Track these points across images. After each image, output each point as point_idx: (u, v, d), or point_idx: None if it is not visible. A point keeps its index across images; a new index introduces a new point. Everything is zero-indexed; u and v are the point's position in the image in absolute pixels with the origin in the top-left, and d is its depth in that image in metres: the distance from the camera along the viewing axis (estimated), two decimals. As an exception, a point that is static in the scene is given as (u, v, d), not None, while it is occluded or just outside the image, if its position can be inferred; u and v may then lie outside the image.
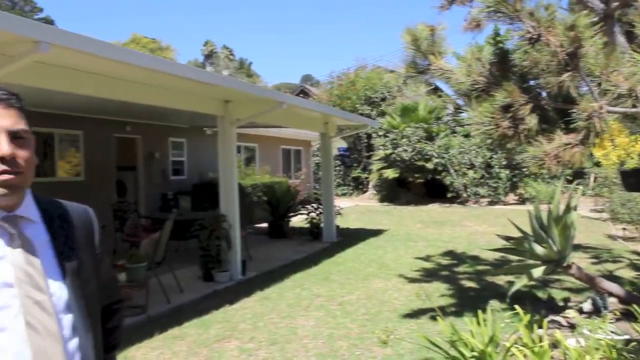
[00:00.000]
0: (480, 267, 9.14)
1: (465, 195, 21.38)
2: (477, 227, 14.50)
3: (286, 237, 12.97)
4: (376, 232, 13.69)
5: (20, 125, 1.37)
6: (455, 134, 22.75)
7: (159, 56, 29.10)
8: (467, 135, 22.21)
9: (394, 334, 5.54)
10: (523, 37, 4.19)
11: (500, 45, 18.53)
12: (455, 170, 21.22)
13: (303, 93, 37.21)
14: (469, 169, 21.37)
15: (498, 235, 6.93)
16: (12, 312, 1.30)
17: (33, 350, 1.30)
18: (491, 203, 21.18)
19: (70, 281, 1.42)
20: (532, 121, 4.34)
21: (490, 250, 8.01)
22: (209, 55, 62.67)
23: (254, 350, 5.31)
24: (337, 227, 12.84)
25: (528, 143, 4.39)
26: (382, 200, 23.63)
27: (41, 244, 1.41)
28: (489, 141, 4.45)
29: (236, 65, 63.84)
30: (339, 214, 13.15)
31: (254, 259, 9.86)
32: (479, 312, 4.41)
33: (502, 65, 4.64)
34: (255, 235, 12.75)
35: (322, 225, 12.71)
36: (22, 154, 1.36)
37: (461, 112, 29.25)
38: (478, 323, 4.23)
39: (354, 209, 20.09)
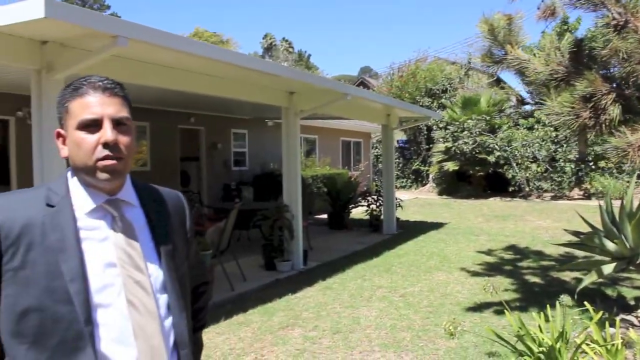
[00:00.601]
0: (544, 263, 8.95)
1: (527, 189, 20.88)
2: (541, 222, 14.16)
3: (346, 229, 13.02)
4: (436, 225, 13.57)
5: (123, 113, 1.45)
6: (518, 127, 22.21)
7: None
8: (530, 128, 21.67)
9: (461, 325, 5.51)
10: (608, 24, 4.04)
11: (568, 34, 18.02)
12: (518, 164, 20.73)
13: (362, 85, 37.08)
14: (532, 162, 20.83)
15: (565, 230, 6.76)
16: (116, 290, 1.39)
17: (133, 327, 1.39)
18: (555, 198, 20.60)
19: (165, 263, 1.50)
20: (615, 111, 4.19)
21: (556, 245, 7.85)
22: (269, 48, 63.18)
23: (318, 338, 5.38)
24: (397, 219, 12.80)
25: (610, 134, 4.25)
26: (441, 193, 23.37)
27: (140, 227, 1.50)
28: (567, 132, 4.31)
29: (295, 58, 64.11)
30: (400, 206, 13.10)
31: (314, 249, 9.95)
32: (548, 307, 4.33)
33: (576, 55, 4.50)
34: (315, 226, 12.84)
35: (382, 217, 12.69)
36: (124, 140, 1.44)
37: (525, 105, 28.54)
38: (546, 318, 4.16)
39: (413, 201, 19.96)
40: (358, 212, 14.19)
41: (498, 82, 28.87)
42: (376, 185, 13.72)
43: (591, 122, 4.13)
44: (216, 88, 7.24)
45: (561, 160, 20.51)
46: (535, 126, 21.45)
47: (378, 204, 12.85)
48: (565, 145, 20.56)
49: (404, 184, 26.15)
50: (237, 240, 10.22)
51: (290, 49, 64.75)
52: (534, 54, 4.67)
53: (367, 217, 13.04)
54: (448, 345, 5.13)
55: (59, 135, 1.48)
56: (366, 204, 13.02)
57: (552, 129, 20.67)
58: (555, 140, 20.72)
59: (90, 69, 5.03)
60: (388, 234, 12.14)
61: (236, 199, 11.74)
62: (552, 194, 20.87)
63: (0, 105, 9.41)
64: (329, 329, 5.65)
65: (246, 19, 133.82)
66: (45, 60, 4.86)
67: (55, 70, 4.87)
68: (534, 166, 20.65)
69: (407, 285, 7.46)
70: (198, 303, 1.79)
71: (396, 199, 12.75)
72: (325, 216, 13.96)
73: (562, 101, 4.24)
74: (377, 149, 26.36)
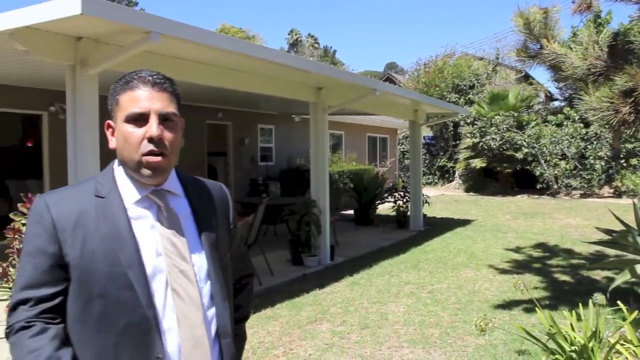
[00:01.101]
0: (574, 261, 8.83)
1: (556, 186, 20.59)
2: (570, 220, 13.97)
3: (372, 225, 13.00)
4: (463, 222, 13.48)
5: (171, 108, 1.48)
6: (546, 123, 21.90)
7: (248, 44, 29.62)
8: (559, 125, 21.36)
9: (492, 322, 5.47)
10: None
11: (606, 27, 17.67)
12: (546, 161, 20.44)
13: (388, 81, 36.93)
14: (560, 159, 20.51)
15: (597, 228, 6.66)
16: (163, 278, 1.42)
17: (177, 315, 1.42)
18: (584, 195, 20.29)
19: (209, 252, 1.53)
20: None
21: (587, 243, 7.74)
22: (294, 44, 63.25)
23: (346, 333, 5.39)
24: (424, 215, 12.74)
25: (650, 130, 4.17)
26: (468, 190, 23.19)
27: (185, 217, 1.53)
28: (606, 127, 4.24)
29: (320, 54, 64.09)
30: (427, 202, 13.04)
31: (341, 244, 9.96)
32: (580, 305, 4.28)
33: (614, 49, 4.42)
34: (341, 221, 12.84)
35: (408, 213, 12.65)
36: (169, 137, 1.46)
37: (554, 101, 28.12)
38: (578, 317, 4.11)
39: (439, 198, 19.84)
40: (384, 208, 14.15)
41: (527, 78, 28.50)
42: (402, 182, 13.65)
43: (631, 117, 4.05)
44: (246, 83, 7.29)
45: (591, 157, 20.17)
46: (565, 123, 21.14)
47: (405, 200, 12.80)
48: (595, 143, 20.21)
49: (430, 180, 26.00)
50: (264, 234, 10.28)
51: (316, 45, 64.73)
52: (570, 48, 4.60)
53: (394, 213, 13.00)
54: (477, 342, 5.10)
55: (108, 126, 1.52)
56: (393, 200, 12.98)
57: (582, 125, 20.36)
58: (585, 137, 20.39)
59: (122, 65, 5.12)
60: (415, 231, 12.10)
61: (263, 194, 11.80)
62: (581, 192, 20.56)
63: (33, 101, 9.60)
64: (357, 324, 5.66)
65: (272, 15, 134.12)
66: (80, 56, 4.95)
67: (89, 66, 4.96)
68: (562, 163, 20.34)
69: (434, 281, 7.43)
70: (242, 294, 1.82)
71: (423, 196, 12.69)
72: (351, 212, 13.96)
73: (601, 96, 4.16)
74: (403, 145, 26.25)
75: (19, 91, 9.25)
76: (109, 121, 1.52)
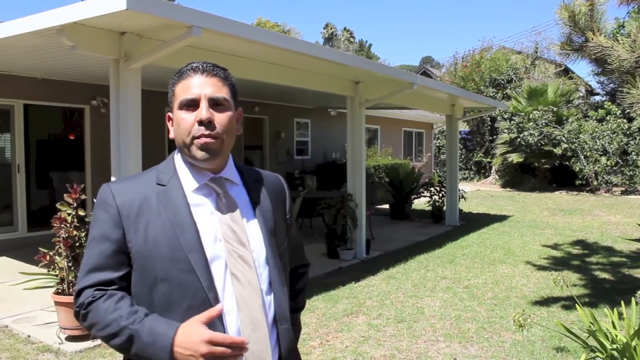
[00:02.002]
0: (614, 259, 8.67)
1: (595, 183, 20.13)
2: (610, 217, 13.68)
3: (408, 219, 12.97)
4: (500, 218, 13.34)
5: (221, 93, 1.53)
6: (587, 118, 21.44)
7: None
8: (600, 120, 20.90)
9: (530, 318, 5.43)
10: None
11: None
12: (586, 157, 19.99)
13: (425, 75, 36.62)
14: (601, 155, 20.03)
15: None
16: (222, 263, 1.47)
17: (236, 299, 1.47)
18: (625, 192, 19.81)
19: (267, 239, 1.58)
20: None
21: (629, 240, 7.60)
22: (330, 38, 63.21)
23: (382, 326, 5.41)
24: (460, 211, 12.65)
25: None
26: (504, 185, 22.89)
27: (243, 204, 1.58)
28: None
29: (356, 48, 63.89)
30: (463, 197, 12.94)
31: (376, 238, 9.97)
32: (622, 303, 4.21)
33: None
34: (376, 216, 12.83)
35: (444, 208, 12.58)
36: (220, 119, 1.51)
37: (595, 95, 27.50)
38: (619, 315, 4.05)
39: (475, 193, 19.65)
40: (420, 202, 14.10)
41: (566, 72, 27.87)
42: (438, 177, 13.55)
43: (679, 111, 3.95)
44: (284, 77, 7.34)
45: (634, 153, 19.66)
46: (607, 117, 20.66)
47: (440, 195, 12.73)
48: (638, 138, 19.70)
49: (465, 175, 25.74)
50: (299, 227, 10.36)
51: (352, 39, 64.55)
52: (617, 40, 4.50)
53: (429, 208, 12.94)
54: (514, 338, 5.07)
55: (169, 118, 1.59)
56: (428, 195, 12.92)
57: (624, 120, 19.88)
58: (628, 132, 19.88)
59: (164, 59, 5.23)
60: (450, 226, 12.03)
61: (299, 188, 11.87)
62: (623, 189, 20.08)
63: (76, 95, 9.83)
64: (393, 317, 5.68)
65: (307, 9, 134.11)
66: (123, 51, 5.07)
67: (132, 60, 5.07)
68: (603, 159, 19.84)
69: (471, 277, 7.39)
70: (298, 284, 1.86)
71: (459, 191, 12.60)
72: (386, 206, 13.94)
73: (648, 89, 4.08)
74: (439, 140, 26.02)
75: (62, 85, 9.49)
76: (169, 113, 1.58)
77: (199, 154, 1.49)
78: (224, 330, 1.44)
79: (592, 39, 4.43)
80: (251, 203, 1.61)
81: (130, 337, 1.37)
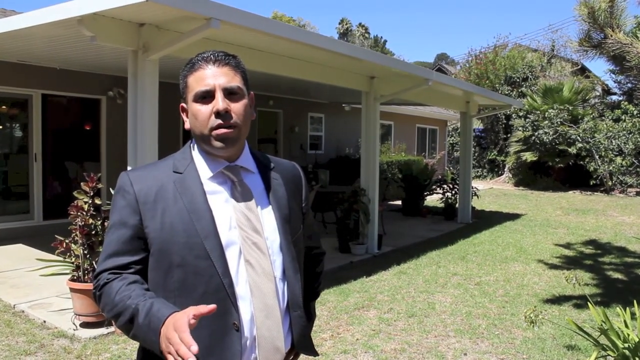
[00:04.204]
0: (628, 259, 8.62)
1: (610, 183, 19.93)
2: (624, 218, 13.59)
3: (420, 215, 12.96)
4: (513, 216, 13.29)
5: (235, 82, 1.55)
6: (603, 118, 21.23)
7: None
8: (617, 120, 20.69)
9: (541, 315, 5.44)
10: None
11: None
12: (601, 157, 19.79)
13: (439, 71, 36.46)
14: (616, 155, 19.81)
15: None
16: (237, 250, 1.50)
17: (250, 285, 1.50)
18: (640, 193, 19.66)
19: (282, 227, 1.60)
20: None
21: (643, 241, 7.55)
22: (345, 33, 62.97)
23: (393, 320, 5.44)
24: (473, 208, 12.62)
25: None
26: (517, 184, 22.76)
27: (258, 192, 1.61)
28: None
29: (371, 43, 63.64)
30: (476, 195, 12.91)
31: (388, 234, 9.98)
32: (635, 303, 4.20)
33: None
34: (389, 212, 12.84)
35: (457, 205, 12.56)
36: (236, 108, 1.54)
37: (612, 95, 27.23)
38: (632, 315, 4.04)
39: (488, 191, 19.58)
40: (432, 199, 14.08)
41: (583, 71, 27.53)
42: (452, 174, 13.52)
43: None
44: (300, 71, 7.36)
45: (650, 153, 19.43)
46: (623, 117, 20.45)
47: (453, 192, 12.71)
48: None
49: (479, 173, 25.62)
50: (311, 222, 10.38)
51: (367, 35, 64.31)
52: (637, 37, 4.47)
53: (442, 204, 12.93)
54: (525, 335, 5.08)
55: (182, 109, 1.61)
56: (441, 191, 12.90)
57: (641, 120, 19.67)
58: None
59: (181, 51, 5.26)
60: (463, 223, 12.01)
61: (312, 182, 11.90)
62: (638, 190, 19.90)
63: (92, 86, 9.92)
64: (403, 312, 5.70)
65: (322, 4, 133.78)
66: (142, 42, 5.12)
67: (151, 51, 5.12)
68: (618, 159, 19.62)
69: (482, 274, 7.39)
70: (318, 267, 1.91)
71: (472, 188, 12.56)
72: (399, 202, 13.94)
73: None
74: (452, 137, 25.92)
75: (79, 76, 9.58)
76: (183, 104, 1.60)
77: (217, 144, 1.52)
78: (238, 316, 1.47)
79: (611, 36, 4.40)
80: (266, 191, 1.63)
81: (131, 316, 1.40)
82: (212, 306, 1.29)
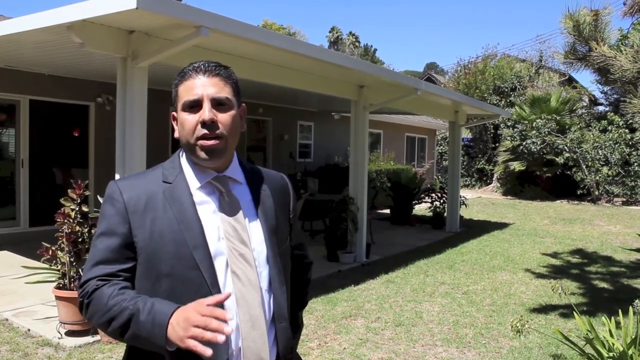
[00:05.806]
0: (614, 268, 8.69)
1: (597, 193, 20.10)
2: (611, 227, 13.70)
3: (408, 224, 12.98)
4: (501, 225, 13.36)
5: (224, 93, 1.55)
6: (589, 128, 21.43)
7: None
8: (603, 130, 20.89)
9: (528, 324, 5.45)
10: None
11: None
12: (588, 166, 19.96)
13: (429, 81, 36.65)
14: (603, 165, 20.00)
15: None
16: (223, 261, 1.50)
17: (236, 296, 1.50)
18: (626, 203, 19.80)
19: (268, 238, 1.60)
20: None
21: (628, 250, 7.62)
22: (335, 42, 63.18)
23: (380, 329, 5.44)
24: (461, 217, 12.67)
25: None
26: (506, 193, 22.89)
27: (246, 203, 1.61)
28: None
29: (361, 52, 63.89)
30: (464, 204, 12.96)
31: (376, 243, 9.98)
32: (620, 312, 4.24)
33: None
34: (377, 220, 12.85)
35: (445, 214, 12.60)
36: (223, 119, 1.53)
37: (598, 105, 27.51)
38: (617, 324, 4.07)
39: (476, 200, 19.66)
40: (421, 208, 14.12)
41: (570, 81, 27.79)
42: (440, 182, 13.56)
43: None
44: (289, 79, 7.38)
45: (636, 164, 19.63)
46: (609, 128, 20.66)
47: (442, 201, 12.76)
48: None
49: (467, 182, 25.74)
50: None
51: (357, 43, 64.55)
52: (620, 51, 4.53)
53: (430, 213, 12.98)
54: (512, 344, 5.10)
55: (173, 117, 1.61)
56: (430, 200, 12.95)
57: (627, 131, 19.88)
58: (630, 143, 19.86)
59: (171, 58, 5.27)
60: (451, 232, 12.05)
61: (301, 190, 11.90)
62: (624, 199, 20.07)
63: (81, 92, 9.88)
64: (391, 321, 5.70)
65: (313, 13, 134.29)
66: (131, 49, 5.12)
67: (140, 59, 5.11)
68: (605, 169, 19.81)
69: (470, 283, 7.41)
70: (304, 277, 1.91)
71: (460, 197, 12.62)
72: (387, 211, 13.95)
73: (650, 100, 4.11)
74: (441, 146, 26.04)
75: (68, 82, 9.54)
76: (173, 112, 1.61)
77: (202, 154, 1.51)
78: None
79: (596, 49, 4.46)
80: (254, 202, 1.63)
81: (130, 317, 1.39)
82: (227, 293, 1.35)
